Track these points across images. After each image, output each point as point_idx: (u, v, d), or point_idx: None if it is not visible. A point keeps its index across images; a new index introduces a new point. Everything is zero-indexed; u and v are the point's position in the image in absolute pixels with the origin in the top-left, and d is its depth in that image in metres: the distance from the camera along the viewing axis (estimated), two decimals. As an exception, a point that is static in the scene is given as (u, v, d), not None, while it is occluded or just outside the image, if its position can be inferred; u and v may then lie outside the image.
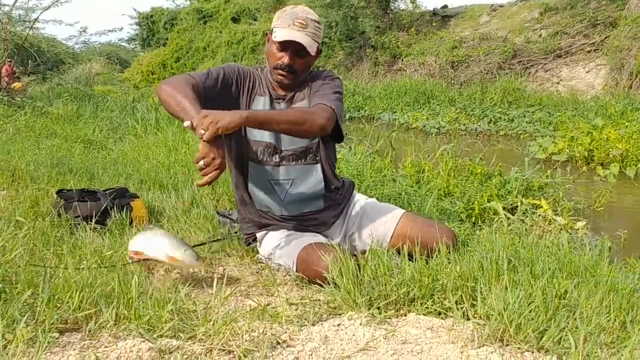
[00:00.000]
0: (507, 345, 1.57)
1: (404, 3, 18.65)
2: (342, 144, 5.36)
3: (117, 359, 1.40)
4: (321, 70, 2.46)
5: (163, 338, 1.50)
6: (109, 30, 30.25)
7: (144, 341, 1.46)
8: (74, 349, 1.43)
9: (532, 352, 1.54)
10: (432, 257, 2.10)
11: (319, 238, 2.33)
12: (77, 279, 1.69)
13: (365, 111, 13.32)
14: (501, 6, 17.46)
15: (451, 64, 14.87)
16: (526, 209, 3.62)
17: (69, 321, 1.57)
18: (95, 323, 1.55)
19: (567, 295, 1.80)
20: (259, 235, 2.45)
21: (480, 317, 1.69)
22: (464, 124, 10.44)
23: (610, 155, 6.32)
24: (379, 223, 2.44)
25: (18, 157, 4.44)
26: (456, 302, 1.79)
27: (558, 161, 6.30)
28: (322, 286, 2.00)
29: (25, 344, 1.39)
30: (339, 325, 1.70)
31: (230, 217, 2.79)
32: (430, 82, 14.40)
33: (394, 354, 1.52)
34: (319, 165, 2.38)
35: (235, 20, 26.18)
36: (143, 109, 8.64)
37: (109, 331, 1.53)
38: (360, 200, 2.58)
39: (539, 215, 3.53)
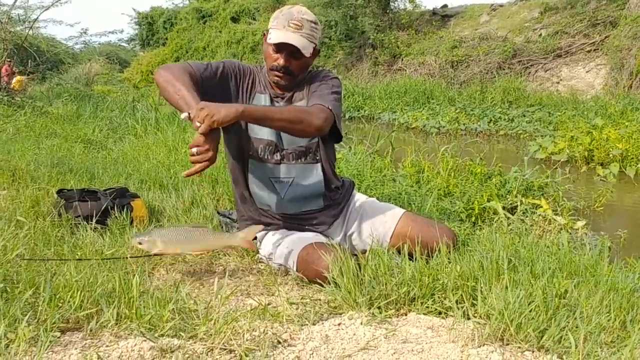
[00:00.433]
0: (508, 344, 1.57)
1: (404, 3, 18.66)
2: (342, 143, 5.40)
3: (119, 358, 1.40)
4: (320, 70, 2.45)
5: (164, 337, 1.50)
6: (109, 32, 30.35)
7: (145, 340, 1.46)
8: (76, 348, 1.44)
9: (533, 352, 1.54)
10: (432, 257, 2.10)
11: (320, 238, 2.33)
12: (78, 278, 1.70)
13: (365, 111, 13.33)
14: (501, 6, 17.47)
15: (451, 63, 14.89)
16: (526, 209, 3.62)
17: (70, 320, 1.57)
18: (97, 322, 1.55)
19: (567, 295, 1.80)
20: (259, 235, 2.45)
21: (481, 317, 1.69)
22: (464, 124, 10.45)
23: (610, 155, 6.32)
24: (378, 222, 2.44)
25: (18, 157, 4.45)
26: (456, 301, 1.79)
27: (558, 161, 6.31)
28: (322, 286, 2.00)
29: (27, 343, 1.39)
30: (339, 324, 1.70)
31: (230, 217, 2.79)
32: (430, 81, 14.42)
33: (394, 353, 1.52)
34: (319, 165, 2.38)
35: (234, 20, 26.20)
36: (143, 109, 8.64)
37: (110, 330, 1.54)
38: (360, 199, 2.59)
39: (539, 215, 3.53)
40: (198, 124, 1.86)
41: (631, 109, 9.03)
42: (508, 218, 3.45)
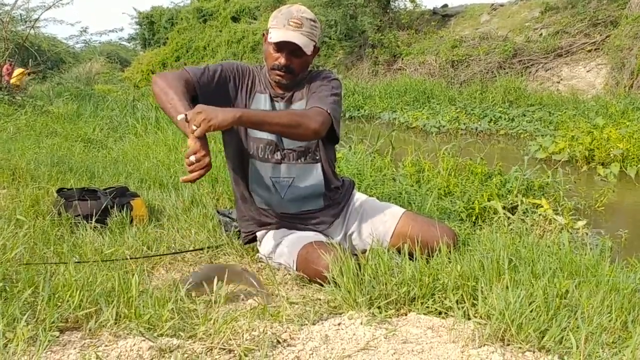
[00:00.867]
0: (508, 344, 1.57)
1: (404, 2, 18.65)
2: (342, 143, 5.40)
3: (118, 357, 1.39)
4: (320, 70, 2.45)
5: (163, 337, 1.49)
6: (110, 31, 30.33)
7: (144, 340, 1.46)
8: (75, 348, 1.43)
9: (534, 352, 1.53)
10: (432, 257, 2.10)
11: (319, 237, 2.33)
12: (78, 277, 1.69)
13: (365, 110, 13.32)
14: (501, 5, 17.46)
15: (451, 63, 14.87)
16: (526, 209, 3.61)
17: (69, 320, 1.57)
18: (96, 322, 1.55)
19: (568, 295, 1.80)
20: (259, 234, 2.45)
21: (481, 317, 1.69)
22: (464, 123, 10.44)
23: (611, 155, 6.32)
24: (379, 222, 2.44)
25: (18, 156, 4.45)
26: (457, 301, 1.79)
27: (559, 160, 6.30)
28: (322, 285, 2.00)
29: (26, 343, 1.39)
30: (339, 324, 1.70)
31: (230, 216, 2.79)
32: (430, 81, 14.40)
33: (394, 353, 1.52)
34: (319, 165, 2.38)
35: (235, 19, 26.20)
36: (143, 108, 8.63)
37: (109, 330, 1.53)
38: (360, 199, 2.58)
39: (540, 214, 3.53)
40: (194, 127, 1.86)
41: (632, 109, 9.01)
42: (508, 218, 3.45)
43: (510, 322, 1.57)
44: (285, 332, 1.61)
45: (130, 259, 2.21)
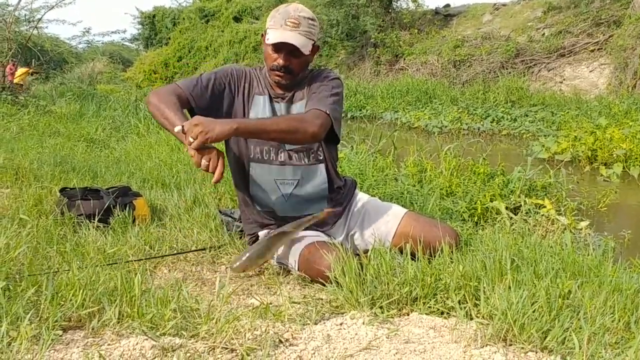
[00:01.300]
0: (511, 345, 1.57)
1: (406, 2, 18.66)
2: (345, 143, 5.40)
3: (120, 356, 1.40)
4: (321, 70, 2.43)
5: (166, 336, 1.50)
6: (112, 32, 30.36)
7: (146, 339, 1.46)
8: (77, 347, 1.43)
9: (536, 352, 1.53)
10: (434, 257, 2.09)
11: (321, 237, 2.32)
12: (80, 277, 1.70)
13: (367, 110, 13.33)
14: (504, 5, 17.45)
15: (453, 63, 14.88)
16: (529, 209, 3.61)
17: (72, 319, 1.58)
18: (99, 321, 1.55)
19: (571, 295, 1.79)
20: (261, 234, 2.44)
21: (484, 317, 1.69)
22: (467, 124, 10.44)
23: (614, 155, 6.31)
24: (381, 222, 2.43)
25: (21, 156, 4.46)
26: (459, 301, 1.79)
27: (561, 161, 6.30)
28: (324, 285, 2.00)
29: (29, 341, 1.39)
30: (341, 324, 1.70)
31: (232, 216, 2.79)
32: (433, 81, 14.42)
33: (396, 353, 1.52)
34: (322, 165, 2.37)
35: (237, 19, 26.23)
36: (145, 108, 8.64)
37: (112, 329, 1.54)
38: (362, 199, 2.57)
39: (542, 215, 3.52)
40: (191, 140, 1.88)
41: (635, 109, 9.01)
42: (511, 218, 3.44)
43: (513, 322, 1.57)
44: (288, 331, 1.61)
45: (134, 261, 2.21)
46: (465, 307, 1.76)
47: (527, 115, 10.53)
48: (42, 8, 12.64)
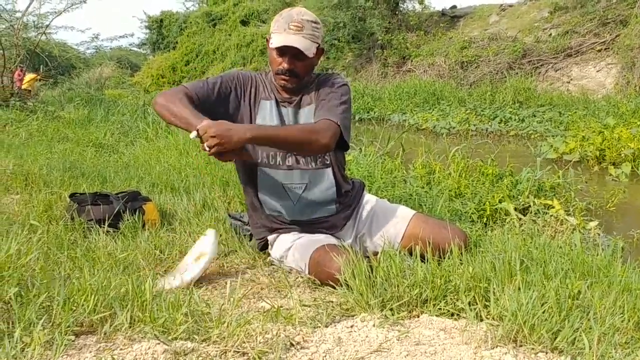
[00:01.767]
0: (521, 346, 1.57)
1: (412, 4, 18.65)
2: (353, 145, 5.40)
3: (133, 361, 1.41)
4: (329, 75, 2.43)
5: (178, 340, 1.50)
6: (120, 36, 30.50)
7: (159, 343, 1.47)
8: (90, 352, 1.45)
9: (546, 353, 1.53)
10: (444, 258, 2.09)
11: (331, 240, 2.33)
12: (92, 282, 1.71)
13: (375, 112, 13.33)
14: (510, 6, 17.41)
15: (460, 64, 14.86)
16: (538, 210, 3.60)
17: (84, 324, 1.58)
18: (111, 325, 1.56)
19: (581, 296, 1.79)
20: (270, 238, 2.45)
21: (494, 318, 1.69)
22: (475, 125, 10.42)
23: (622, 155, 6.27)
24: (389, 224, 2.44)
25: (31, 162, 4.48)
26: (469, 303, 1.79)
27: (570, 161, 6.27)
28: (334, 288, 2.00)
29: (43, 347, 1.40)
30: (352, 326, 1.70)
31: (242, 220, 2.80)
32: (440, 82, 14.40)
33: (407, 355, 1.52)
34: (329, 170, 2.37)
35: (244, 23, 26.30)
36: (154, 113, 8.67)
37: (124, 334, 1.54)
38: (370, 201, 2.58)
39: (551, 215, 3.51)
40: (207, 148, 1.90)
41: (643, 108, 8.96)
42: (520, 219, 3.44)
43: (523, 323, 1.57)
44: (299, 334, 1.62)
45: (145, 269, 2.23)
46: (475, 309, 1.76)
47: (534, 116, 10.50)
48: (49, 14, 12.75)
